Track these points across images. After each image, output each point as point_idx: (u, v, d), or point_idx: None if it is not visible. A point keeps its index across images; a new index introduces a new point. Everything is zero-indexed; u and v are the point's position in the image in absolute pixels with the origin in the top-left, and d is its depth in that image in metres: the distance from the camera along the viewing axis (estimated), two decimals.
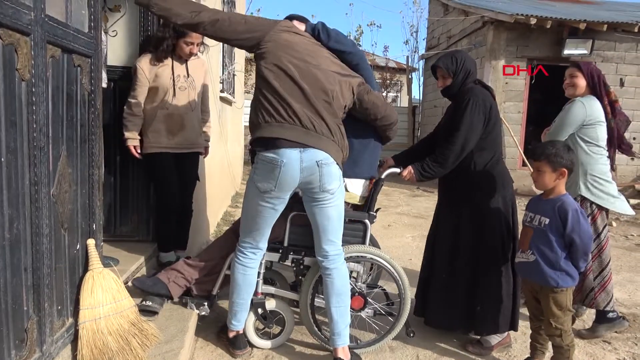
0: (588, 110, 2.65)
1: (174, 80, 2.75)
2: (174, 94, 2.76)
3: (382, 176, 2.42)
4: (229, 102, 5.76)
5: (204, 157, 3.18)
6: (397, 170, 2.42)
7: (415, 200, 7.78)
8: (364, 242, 2.38)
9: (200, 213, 3.64)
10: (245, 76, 10.44)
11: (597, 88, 2.72)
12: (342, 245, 2.28)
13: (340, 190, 2.13)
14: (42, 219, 1.55)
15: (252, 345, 2.37)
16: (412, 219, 6.18)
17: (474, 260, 2.43)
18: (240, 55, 6.74)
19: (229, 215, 5.44)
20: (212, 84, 4.53)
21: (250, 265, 2.22)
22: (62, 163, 1.70)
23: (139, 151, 2.78)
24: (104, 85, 2.52)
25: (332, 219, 2.13)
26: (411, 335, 2.44)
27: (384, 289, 2.55)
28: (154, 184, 2.92)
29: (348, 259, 2.30)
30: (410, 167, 2.40)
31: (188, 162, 2.95)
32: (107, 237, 2.98)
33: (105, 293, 1.88)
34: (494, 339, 2.49)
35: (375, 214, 2.42)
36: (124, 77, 2.90)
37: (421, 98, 13.70)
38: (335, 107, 2.10)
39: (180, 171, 2.90)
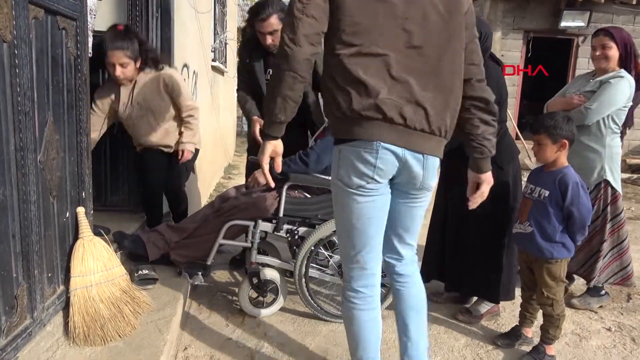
0: (632, 90, 2.45)
1: (117, 109, 2.62)
2: (127, 122, 2.66)
3: None
4: (221, 72, 5.66)
5: (180, 161, 2.77)
6: None
7: None
8: None
9: (192, 185, 3.62)
10: (238, 45, 10.23)
11: (629, 60, 2.48)
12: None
13: (433, 187, 1.69)
14: (29, 186, 1.51)
15: (245, 314, 2.39)
16: None
17: (483, 231, 2.43)
18: (233, 23, 6.60)
19: (221, 187, 5.42)
20: (204, 57, 4.43)
21: (369, 306, 1.61)
22: (49, 129, 1.66)
23: None
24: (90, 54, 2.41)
25: (417, 219, 1.68)
26: None
27: None
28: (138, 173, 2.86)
29: None
30: None
31: (173, 157, 2.78)
32: (97, 206, 2.95)
33: (96, 261, 1.87)
34: (483, 308, 2.53)
35: None
36: None
37: None
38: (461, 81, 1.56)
39: (168, 164, 2.81)
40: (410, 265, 1.72)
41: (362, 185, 1.50)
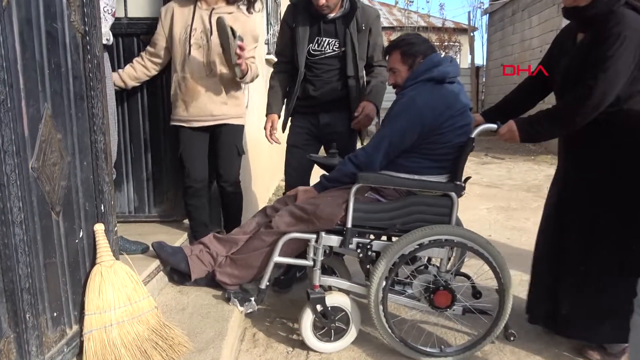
0: None
1: (190, 32, 2.25)
2: (189, 52, 2.26)
3: (473, 135, 1.84)
4: None
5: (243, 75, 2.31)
6: (494, 126, 1.83)
7: (485, 168, 7.02)
8: (450, 222, 1.83)
9: (246, 189, 3.21)
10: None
11: None
12: (423, 227, 1.76)
13: None
14: (11, 202, 1.12)
15: (309, 349, 1.92)
16: (484, 188, 5.49)
17: (622, 246, 1.80)
18: None
19: (280, 190, 5.01)
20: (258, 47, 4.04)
21: None
22: (45, 126, 1.27)
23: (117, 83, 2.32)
24: (108, 41, 2.00)
25: None
26: (512, 338, 1.88)
27: (473, 281, 2.00)
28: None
29: (432, 244, 1.77)
30: (512, 124, 1.80)
31: (218, 136, 2.40)
32: (140, 218, 2.64)
33: (118, 293, 1.47)
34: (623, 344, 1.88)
35: (464, 184, 1.86)
36: (149, 31, 2.46)
37: (485, 57, 12.58)
38: None
39: (212, 147, 2.44)
40: None
41: None
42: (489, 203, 4.77)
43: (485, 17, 12.71)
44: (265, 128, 2.51)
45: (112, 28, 2.39)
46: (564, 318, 1.92)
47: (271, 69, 4.44)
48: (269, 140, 2.51)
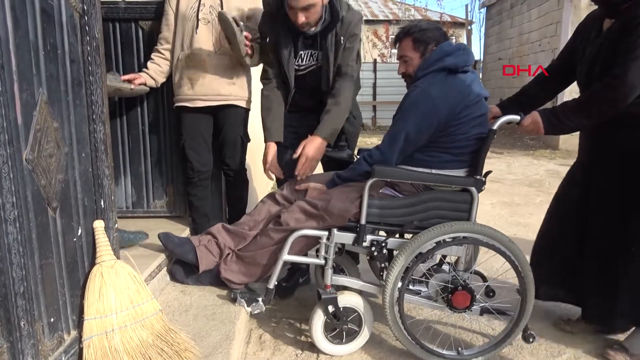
0: None
1: (198, 8, 2.13)
2: (197, 27, 2.13)
3: (495, 126, 1.75)
4: None
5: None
6: (517, 118, 1.74)
7: (485, 163, 6.96)
8: (469, 218, 1.74)
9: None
10: None
11: None
12: (441, 223, 1.67)
13: None
14: (4, 197, 1.01)
15: (319, 351, 1.83)
16: (487, 183, 5.44)
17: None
18: None
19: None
20: None
21: None
22: (40, 113, 1.15)
23: (137, 82, 2.21)
24: None
25: None
26: (531, 340, 1.79)
27: (485, 278, 1.91)
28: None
29: (451, 241, 1.68)
30: (535, 115, 1.71)
31: (222, 121, 2.28)
32: (139, 214, 2.53)
33: (119, 295, 1.36)
34: None
35: (484, 179, 1.77)
36: (148, 15, 2.33)
37: (482, 51, 12.50)
38: None
39: (216, 134, 2.33)
40: None
41: None
42: (492, 198, 4.69)
43: (483, 11, 12.61)
44: (265, 161, 2.12)
45: (108, 13, 2.28)
46: (591, 304, 1.90)
47: None
48: (266, 175, 2.18)
